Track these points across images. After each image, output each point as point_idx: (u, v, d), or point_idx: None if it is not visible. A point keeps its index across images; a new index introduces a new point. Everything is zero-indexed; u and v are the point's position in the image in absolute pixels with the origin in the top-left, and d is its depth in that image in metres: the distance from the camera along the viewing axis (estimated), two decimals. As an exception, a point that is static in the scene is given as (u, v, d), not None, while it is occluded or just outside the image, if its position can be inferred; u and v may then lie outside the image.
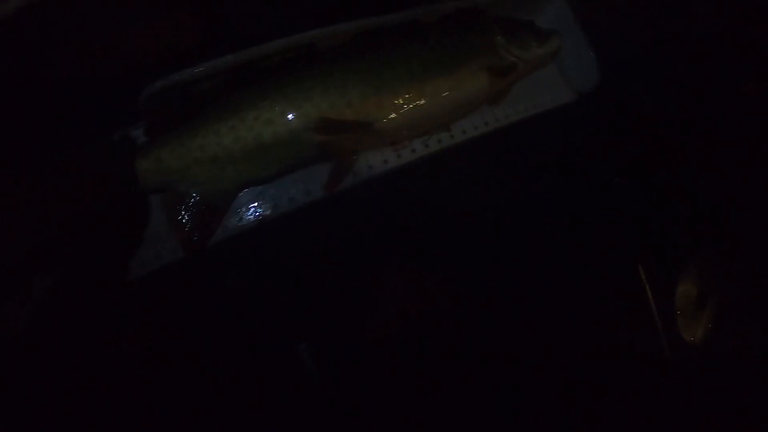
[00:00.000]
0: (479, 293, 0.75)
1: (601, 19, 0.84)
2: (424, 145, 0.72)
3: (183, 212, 0.58)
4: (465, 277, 0.76)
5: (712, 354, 0.82)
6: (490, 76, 0.70)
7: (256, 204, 0.64)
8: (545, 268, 0.79)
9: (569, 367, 0.73)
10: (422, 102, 0.65)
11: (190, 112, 0.59)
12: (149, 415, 0.53)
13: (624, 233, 0.86)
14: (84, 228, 0.50)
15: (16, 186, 0.46)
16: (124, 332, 0.55)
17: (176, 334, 0.62)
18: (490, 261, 0.77)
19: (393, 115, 0.64)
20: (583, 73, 0.83)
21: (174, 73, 0.54)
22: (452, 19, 0.73)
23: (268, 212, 0.64)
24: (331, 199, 0.67)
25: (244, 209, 0.64)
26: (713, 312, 0.85)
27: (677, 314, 0.84)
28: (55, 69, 0.57)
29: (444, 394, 0.68)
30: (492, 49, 0.73)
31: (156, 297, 0.60)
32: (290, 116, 0.59)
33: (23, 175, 0.46)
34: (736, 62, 0.92)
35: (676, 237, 0.89)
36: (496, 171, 0.81)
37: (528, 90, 0.82)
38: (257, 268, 0.68)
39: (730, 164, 0.91)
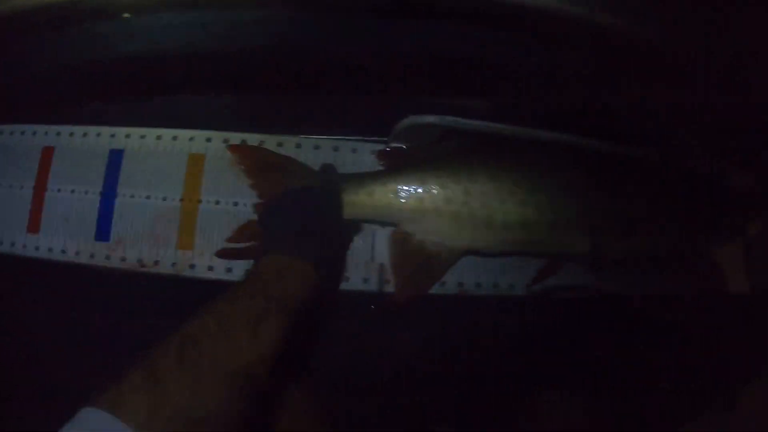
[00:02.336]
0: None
1: None
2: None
3: (407, 254, 0.57)
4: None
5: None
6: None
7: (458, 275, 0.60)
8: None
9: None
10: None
11: (436, 158, 0.58)
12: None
13: None
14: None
15: None
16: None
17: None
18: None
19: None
20: None
21: (447, 116, 0.54)
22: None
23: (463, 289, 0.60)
24: (520, 301, 0.61)
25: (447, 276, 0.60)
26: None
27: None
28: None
29: None
30: None
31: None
32: (523, 205, 0.55)
33: None
34: None
35: None
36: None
37: None
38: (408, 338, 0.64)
39: None
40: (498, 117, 0.56)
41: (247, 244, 0.58)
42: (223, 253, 0.59)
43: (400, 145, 0.60)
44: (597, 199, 0.58)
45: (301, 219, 0.50)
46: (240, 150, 0.60)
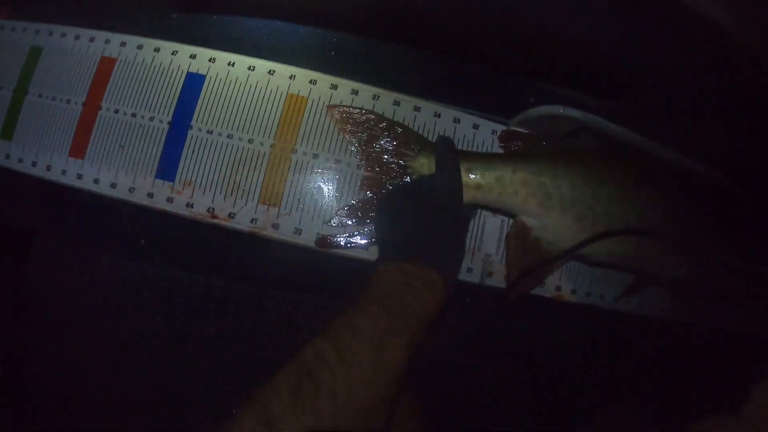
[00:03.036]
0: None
1: None
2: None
3: (520, 245, 0.52)
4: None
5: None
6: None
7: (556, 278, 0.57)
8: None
9: None
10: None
11: (570, 155, 0.53)
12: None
13: None
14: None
15: None
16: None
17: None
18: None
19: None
20: None
21: (586, 113, 0.50)
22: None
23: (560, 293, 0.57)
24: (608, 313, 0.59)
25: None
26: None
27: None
28: None
29: None
30: None
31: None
32: (641, 219, 0.51)
33: None
34: None
35: None
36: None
37: None
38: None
39: None
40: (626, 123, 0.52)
41: (351, 229, 0.51)
42: (322, 243, 0.51)
43: (523, 130, 0.54)
44: (709, 229, 0.56)
45: (423, 219, 0.44)
46: (341, 112, 0.51)
